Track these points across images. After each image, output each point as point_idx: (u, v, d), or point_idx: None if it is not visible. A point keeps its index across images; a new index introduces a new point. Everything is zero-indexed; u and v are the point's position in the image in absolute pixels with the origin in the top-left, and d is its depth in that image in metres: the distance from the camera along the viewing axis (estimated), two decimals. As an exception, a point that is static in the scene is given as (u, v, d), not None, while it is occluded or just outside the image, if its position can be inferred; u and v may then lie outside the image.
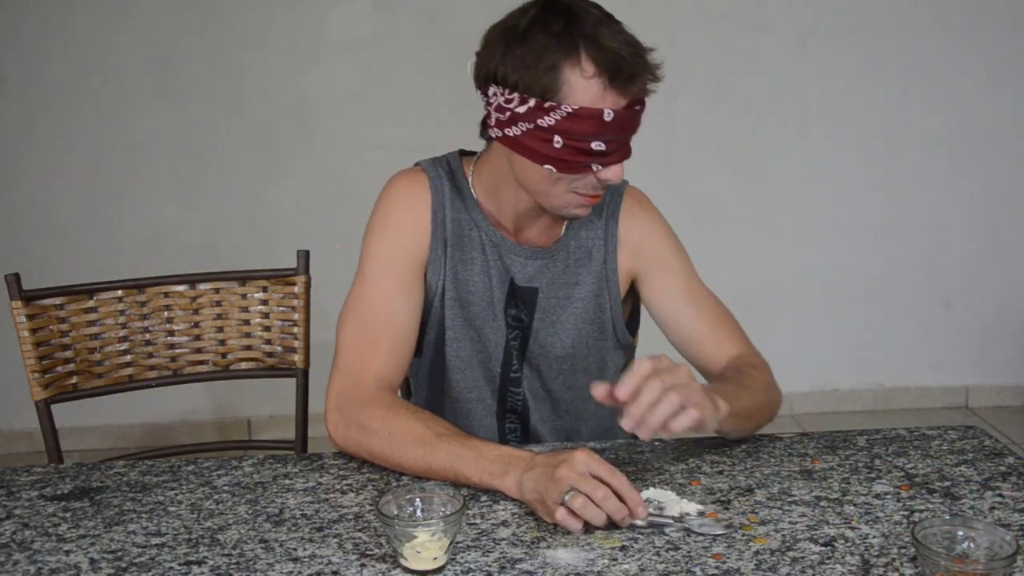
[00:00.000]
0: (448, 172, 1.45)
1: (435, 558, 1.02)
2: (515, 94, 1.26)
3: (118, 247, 3.19)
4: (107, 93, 3.10)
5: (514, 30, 1.26)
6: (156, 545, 1.11)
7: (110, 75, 3.09)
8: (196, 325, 1.78)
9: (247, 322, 1.79)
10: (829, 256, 3.43)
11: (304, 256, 1.78)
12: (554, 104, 1.24)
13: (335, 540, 1.11)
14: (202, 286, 1.78)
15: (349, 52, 3.15)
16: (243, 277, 1.79)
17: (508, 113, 1.27)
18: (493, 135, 1.33)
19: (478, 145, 1.53)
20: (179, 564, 1.06)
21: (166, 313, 1.76)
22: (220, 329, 1.79)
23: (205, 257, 3.04)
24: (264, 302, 1.79)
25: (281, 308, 1.78)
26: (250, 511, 1.19)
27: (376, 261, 1.40)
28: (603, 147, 1.25)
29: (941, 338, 3.54)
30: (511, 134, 1.28)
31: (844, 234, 3.42)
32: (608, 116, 1.24)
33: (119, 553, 1.09)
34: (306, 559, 1.07)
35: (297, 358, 1.77)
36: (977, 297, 3.51)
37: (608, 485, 1.09)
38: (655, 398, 1.10)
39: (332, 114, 3.18)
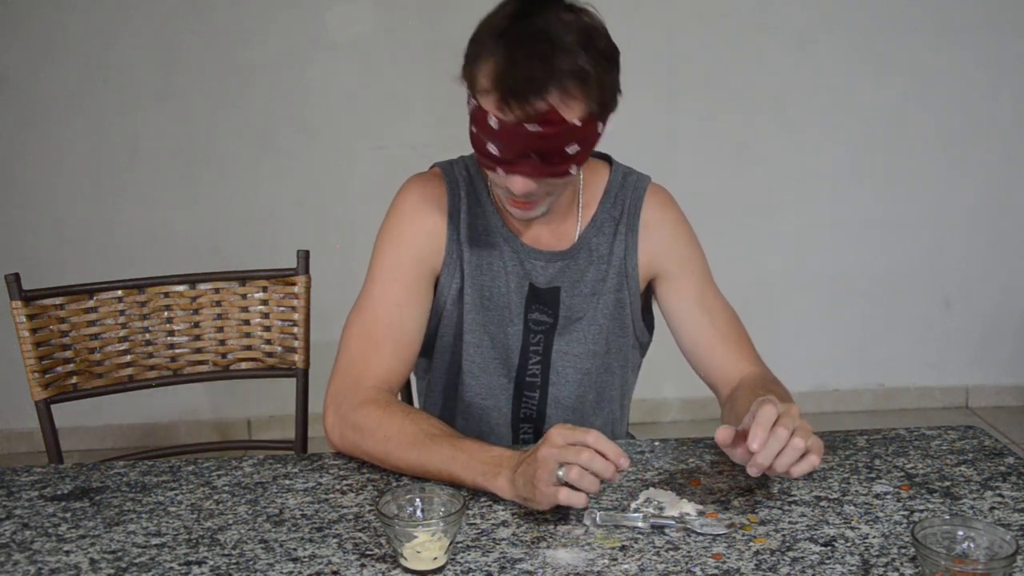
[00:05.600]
0: (466, 175, 1.45)
1: (435, 558, 1.02)
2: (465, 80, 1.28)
3: (118, 247, 3.19)
4: (107, 92, 3.10)
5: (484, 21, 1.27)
6: (156, 545, 1.11)
7: (110, 74, 3.09)
8: (196, 325, 1.78)
9: (247, 322, 1.79)
10: (829, 256, 3.44)
11: (304, 256, 1.78)
12: (471, 94, 1.26)
13: (335, 540, 1.11)
14: (202, 286, 1.78)
15: (349, 52, 3.15)
16: (243, 277, 1.79)
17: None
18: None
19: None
20: (179, 564, 1.06)
21: (166, 313, 1.76)
22: (220, 329, 1.79)
23: (205, 257, 3.06)
24: (264, 302, 1.79)
25: (281, 308, 1.78)
26: (250, 511, 1.19)
27: (386, 266, 1.40)
28: (496, 152, 1.25)
29: (941, 338, 3.54)
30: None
31: (844, 234, 3.42)
32: (493, 123, 1.23)
33: (119, 553, 1.09)
34: (306, 559, 1.07)
35: (297, 358, 1.77)
36: (977, 297, 3.51)
37: (586, 445, 1.08)
38: (782, 447, 1.10)
39: (332, 114, 3.19)
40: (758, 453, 1.09)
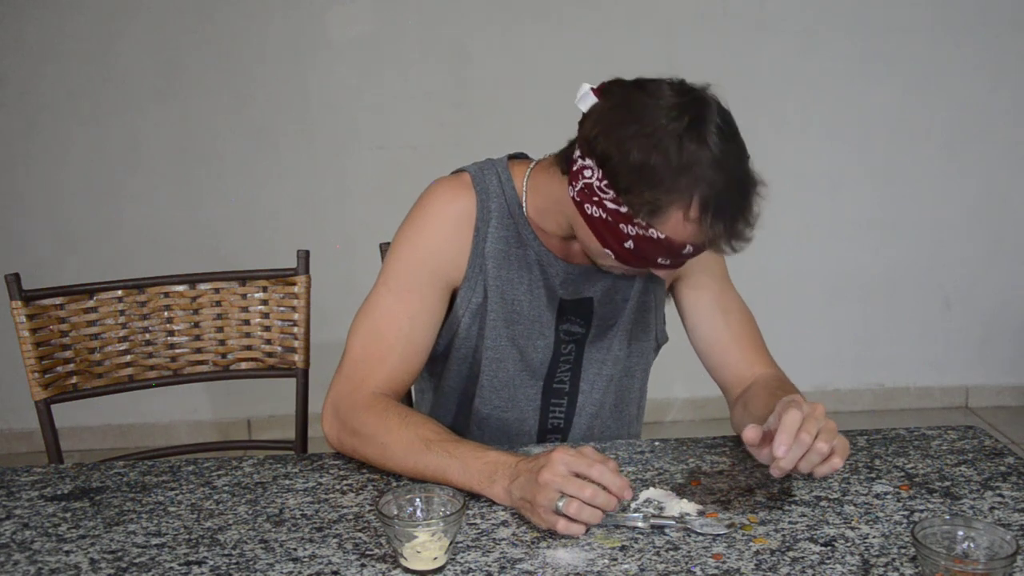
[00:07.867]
0: (497, 184, 1.39)
1: (435, 558, 1.02)
2: (612, 191, 1.21)
3: (118, 247, 3.19)
4: (108, 93, 3.10)
5: (648, 138, 1.18)
6: (156, 545, 1.11)
7: (111, 75, 3.09)
8: (196, 325, 1.78)
9: (247, 322, 1.79)
10: (829, 256, 3.44)
11: (304, 256, 1.78)
12: (643, 224, 1.21)
13: (335, 540, 1.11)
14: (202, 286, 1.78)
15: (349, 52, 3.15)
16: (243, 277, 1.79)
17: (596, 196, 1.23)
18: (570, 194, 1.27)
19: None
20: (179, 564, 1.06)
21: (166, 313, 1.76)
22: (220, 329, 1.79)
23: (205, 257, 3.06)
24: (264, 302, 1.78)
25: (281, 308, 1.78)
26: (250, 511, 1.19)
27: (403, 273, 1.35)
28: (667, 263, 1.25)
29: (941, 338, 3.54)
30: (588, 211, 1.25)
31: (844, 234, 3.42)
32: (687, 251, 1.23)
33: (119, 553, 1.09)
34: (306, 559, 1.07)
35: (297, 358, 1.77)
36: (977, 297, 3.51)
37: (590, 479, 1.08)
38: (805, 452, 1.10)
39: (332, 114, 3.18)
40: (781, 458, 1.10)
